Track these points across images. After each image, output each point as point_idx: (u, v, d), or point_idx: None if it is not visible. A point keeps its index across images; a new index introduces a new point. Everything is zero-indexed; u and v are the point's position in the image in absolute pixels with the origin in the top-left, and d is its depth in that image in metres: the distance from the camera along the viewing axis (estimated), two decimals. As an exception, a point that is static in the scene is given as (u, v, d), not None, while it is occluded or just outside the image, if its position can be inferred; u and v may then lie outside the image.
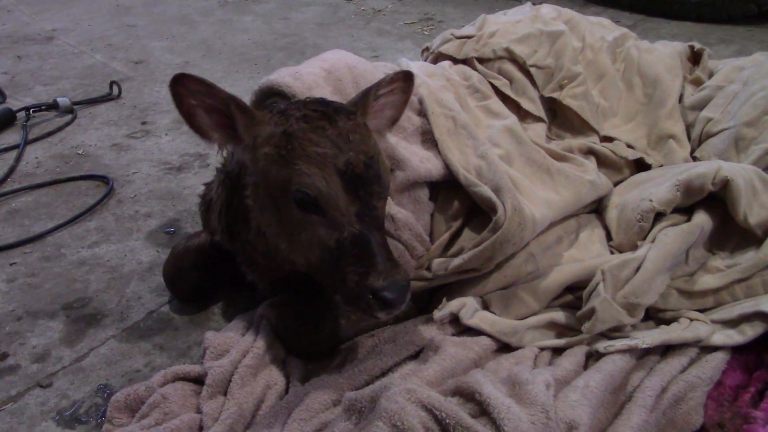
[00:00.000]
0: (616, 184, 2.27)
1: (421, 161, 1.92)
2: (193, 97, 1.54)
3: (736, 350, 1.75)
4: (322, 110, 1.57)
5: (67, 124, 3.46)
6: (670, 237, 1.88)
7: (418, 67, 2.23)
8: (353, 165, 1.51)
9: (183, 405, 1.64)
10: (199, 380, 1.72)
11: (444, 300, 1.92)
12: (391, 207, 1.84)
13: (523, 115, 2.30)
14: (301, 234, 1.57)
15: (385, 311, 1.49)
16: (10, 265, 2.36)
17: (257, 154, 1.59)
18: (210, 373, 1.67)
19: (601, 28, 2.68)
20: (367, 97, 1.73)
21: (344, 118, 1.57)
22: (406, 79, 1.81)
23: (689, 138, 2.41)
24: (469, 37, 2.47)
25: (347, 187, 1.51)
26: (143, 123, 3.49)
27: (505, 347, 1.84)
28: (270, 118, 1.60)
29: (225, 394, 1.65)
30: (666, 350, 1.77)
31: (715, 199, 1.97)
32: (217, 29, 5.09)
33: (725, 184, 1.90)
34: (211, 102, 1.56)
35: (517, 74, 2.34)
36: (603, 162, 2.30)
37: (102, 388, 1.84)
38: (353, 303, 1.53)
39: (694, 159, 2.33)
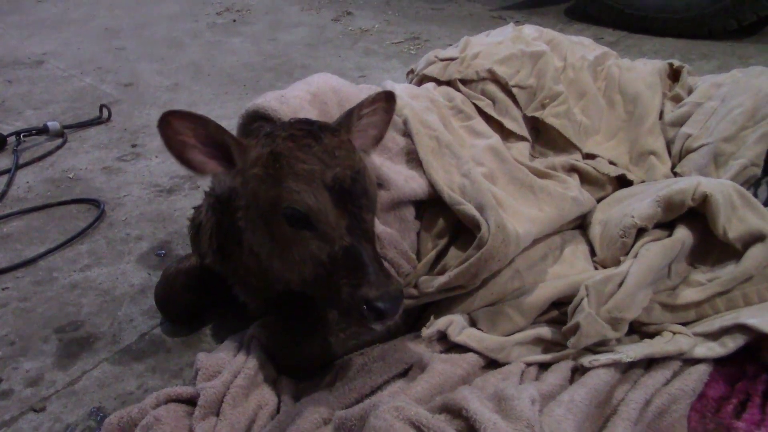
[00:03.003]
0: (599, 201, 2.31)
1: (405, 181, 1.96)
2: (184, 134, 1.57)
3: (718, 362, 1.78)
4: (307, 129, 1.61)
5: (58, 147, 3.48)
6: (652, 252, 1.91)
7: (402, 90, 2.27)
8: (340, 180, 1.55)
9: (176, 426, 1.65)
10: (191, 401, 1.73)
11: (432, 318, 1.95)
12: (377, 226, 1.86)
13: (506, 134, 2.34)
14: (293, 250, 1.60)
15: (379, 322, 1.51)
16: (2, 289, 2.38)
17: (246, 176, 1.62)
18: (202, 394, 1.69)
19: (582, 47, 2.72)
20: (350, 117, 1.77)
21: (329, 135, 1.61)
22: (387, 99, 1.85)
23: (670, 154, 2.45)
24: (452, 59, 2.51)
25: (336, 202, 1.54)
26: (133, 146, 3.52)
27: (492, 363, 1.86)
28: (257, 142, 1.64)
29: (217, 415, 1.66)
30: (650, 363, 1.80)
31: (696, 214, 2.00)
32: (206, 51, 5.13)
33: (705, 200, 1.93)
34: (205, 133, 1.59)
35: (500, 94, 2.38)
36: (586, 179, 2.34)
37: (95, 411, 1.85)
38: (348, 315, 1.55)
39: (675, 175, 2.37)
